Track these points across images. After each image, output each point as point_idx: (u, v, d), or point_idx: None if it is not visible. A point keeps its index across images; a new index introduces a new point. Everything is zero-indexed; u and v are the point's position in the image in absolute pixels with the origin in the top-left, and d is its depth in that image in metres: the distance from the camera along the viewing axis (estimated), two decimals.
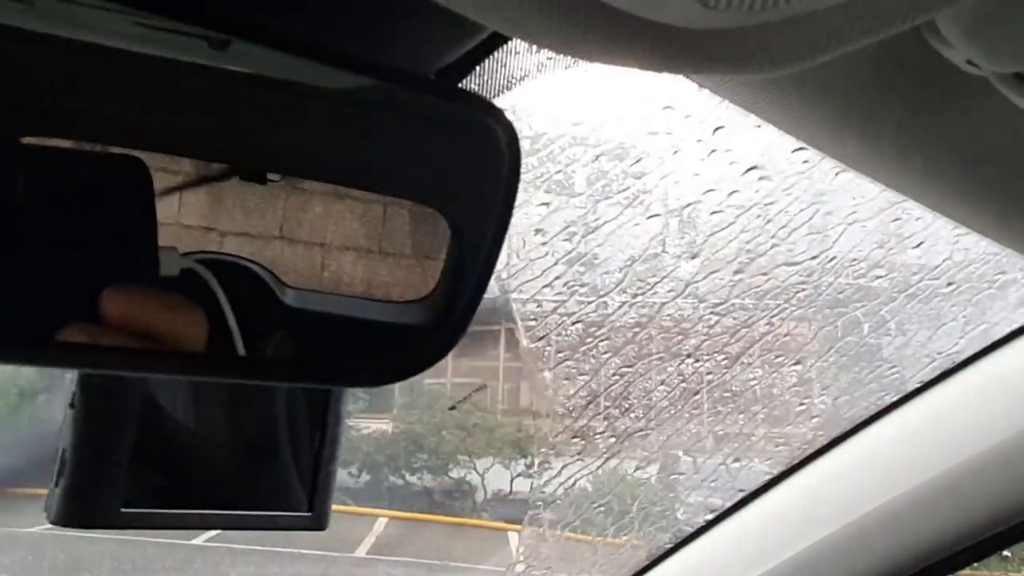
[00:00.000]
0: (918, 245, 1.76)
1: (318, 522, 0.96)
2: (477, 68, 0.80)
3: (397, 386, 10.38)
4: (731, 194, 1.79)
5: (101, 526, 0.84)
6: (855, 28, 0.53)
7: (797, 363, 2.01)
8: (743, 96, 0.87)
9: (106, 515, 0.83)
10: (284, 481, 0.95)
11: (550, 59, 0.82)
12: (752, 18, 0.49)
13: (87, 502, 0.82)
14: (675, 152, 1.82)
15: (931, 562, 1.56)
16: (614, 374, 2.18)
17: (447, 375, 10.30)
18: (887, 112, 0.81)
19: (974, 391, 1.60)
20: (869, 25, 0.51)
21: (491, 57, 0.83)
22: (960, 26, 0.59)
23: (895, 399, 1.67)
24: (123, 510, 0.83)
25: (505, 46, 0.80)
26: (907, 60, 0.72)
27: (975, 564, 1.65)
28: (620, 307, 2.07)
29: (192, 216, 0.77)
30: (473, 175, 0.75)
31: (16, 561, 6.97)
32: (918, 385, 1.65)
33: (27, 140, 0.64)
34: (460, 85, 0.78)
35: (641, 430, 2.25)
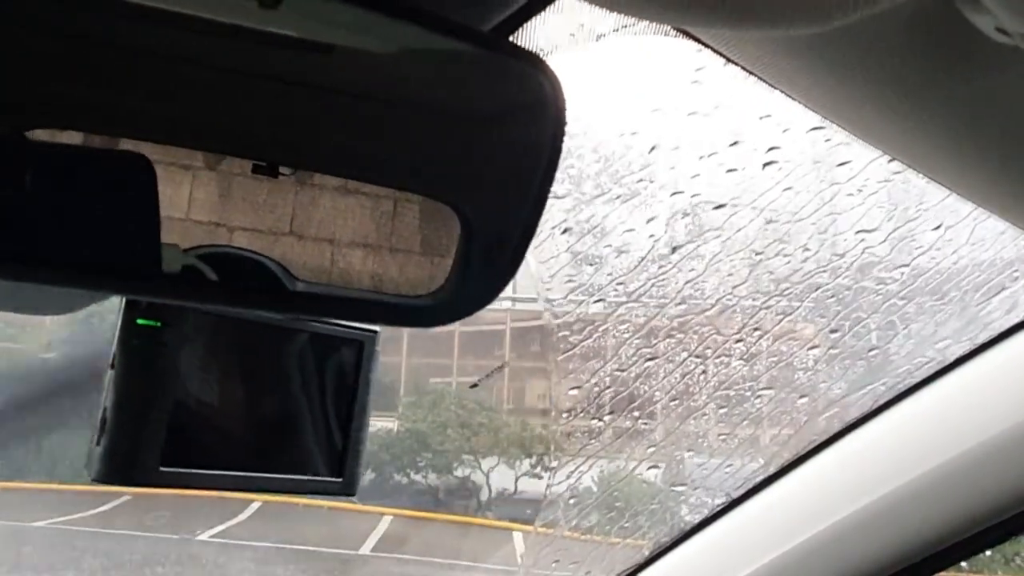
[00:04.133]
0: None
1: (348, 488, 0.97)
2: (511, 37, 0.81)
3: (402, 385, 10.40)
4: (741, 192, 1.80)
5: (140, 484, 0.86)
6: None
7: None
8: (767, 65, 0.88)
9: (145, 473, 0.84)
10: (316, 447, 0.96)
11: (581, 27, 0.84)
12: None
13: (127, 460, 0.84)
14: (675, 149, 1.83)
15: (926, 555, 1.57)
16: (619, 372, 2.19)
17: (452, 374, 10.32)
18: (910, 80, 0.82)
19: (967, 388, 1.61)
20: None
21: (522, 28, 0.84)
22: None
23: (889, 398, 1.67)
24: (162, 469, 0.84)
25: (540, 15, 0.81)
26: (934, 27, 0.73)
27: (975, 565, 1.65)
28: (625, 305, 2.07)
29: (201, 212, 0.78)
30: (514, 148, 0.75)
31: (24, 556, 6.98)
32: (912, 384, 1.66)
33: (34, 135, 0.64)
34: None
35: (648, 430, 2.26)
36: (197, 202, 0.75)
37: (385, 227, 0.84)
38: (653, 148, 1.83)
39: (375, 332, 1.00)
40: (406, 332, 9.74)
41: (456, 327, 10.24)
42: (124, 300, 0.85)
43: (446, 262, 0.83)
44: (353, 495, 0.98)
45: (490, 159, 0.77)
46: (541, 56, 0.73)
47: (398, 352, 9.27)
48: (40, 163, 0.64)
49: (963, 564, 1.76)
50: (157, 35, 0.63)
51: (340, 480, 0.97)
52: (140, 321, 0.84)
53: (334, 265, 0.83)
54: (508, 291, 0.79)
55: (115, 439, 0.83)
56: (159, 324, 0.84)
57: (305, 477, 0.96)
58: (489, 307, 0.81)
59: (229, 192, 0.79)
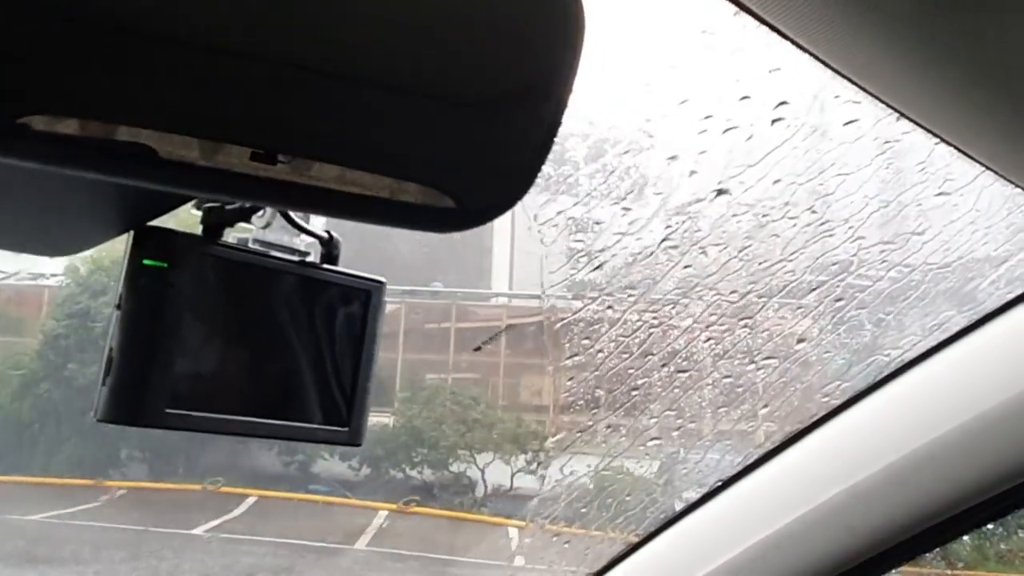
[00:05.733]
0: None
1: (354, 437, 0.97)
2: None
3: (398, 380, 10.39)
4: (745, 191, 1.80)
5: (146, 424, 0.85)
6: None
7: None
8: (793, 21, 0.88)
9: (151, 415, 0.83)
10: (322, 396, 0.96)
11: None
12: None
13: (133, 400, 0.83)
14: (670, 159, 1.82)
15: (913, 533, 1.57)
16: (615, 366, 2.18)
17: (448, 370, 10.31)
18: (933, 37, 0.82)
19: (956, 367, 1.61)
20: None
21: None
22: None
23: (874, 380, 1.67)
24: (167, 411, 0.84)
25: None
26: None
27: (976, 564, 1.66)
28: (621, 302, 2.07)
29: None
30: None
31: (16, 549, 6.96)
32: (900, 364, 1.66)
33: (25, 120, 0.61)
34: None
35: (641, 425, 2.26)
36: None
37: None
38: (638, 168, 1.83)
39: (382, 283, 1.00)
40: (401, 329, 9.75)
41: (452, 324, 10.25)
42: (131, 240, 0.84)
43: None
44: (359, 445, 0.98)
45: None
46: None
47: (394, 348, 9.28)
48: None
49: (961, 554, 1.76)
50: (155, 18, 0.62)
51: (346, 429, 0.96)
52: (147, 261, 0.83)
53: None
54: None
55: (121, 380, 0.82)
56: (166, 264, 0.84)
57: (311, 425, 0.95)
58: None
59: None
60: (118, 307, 0.84)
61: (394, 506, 8.73)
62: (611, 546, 2.23)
